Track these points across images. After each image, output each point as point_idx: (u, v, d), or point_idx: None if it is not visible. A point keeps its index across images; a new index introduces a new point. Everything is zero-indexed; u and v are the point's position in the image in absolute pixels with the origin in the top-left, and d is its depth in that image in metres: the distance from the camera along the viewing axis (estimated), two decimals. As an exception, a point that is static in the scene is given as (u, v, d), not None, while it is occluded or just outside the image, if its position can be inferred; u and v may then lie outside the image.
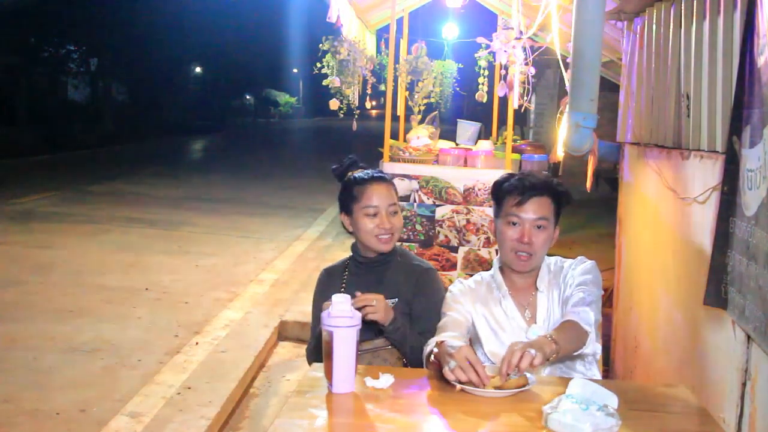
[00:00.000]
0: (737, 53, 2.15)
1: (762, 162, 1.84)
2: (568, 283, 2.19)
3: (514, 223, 2.17)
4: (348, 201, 2.36)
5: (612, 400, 1.71)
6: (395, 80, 5.06)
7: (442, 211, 4.56)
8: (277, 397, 4.03)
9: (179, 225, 8.73)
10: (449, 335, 2.09)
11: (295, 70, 47.70)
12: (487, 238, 4.54)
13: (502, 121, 5.57)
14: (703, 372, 2.40)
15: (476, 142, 5.19)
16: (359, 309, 2.02)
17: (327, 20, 4.06)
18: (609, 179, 9.86)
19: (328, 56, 4.59)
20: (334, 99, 4.73)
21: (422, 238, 4.57)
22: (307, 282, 5.98)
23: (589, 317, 2.02)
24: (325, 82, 4.66)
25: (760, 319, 1.83)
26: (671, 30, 2.96)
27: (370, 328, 2.19)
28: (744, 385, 2.03)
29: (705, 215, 2.43)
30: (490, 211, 4.36)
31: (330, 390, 1.85)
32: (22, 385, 3.83)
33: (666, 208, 2.99)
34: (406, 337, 2.23)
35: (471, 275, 2.43)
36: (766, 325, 1.80)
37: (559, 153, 4.62)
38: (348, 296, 1.91)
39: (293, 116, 49.28)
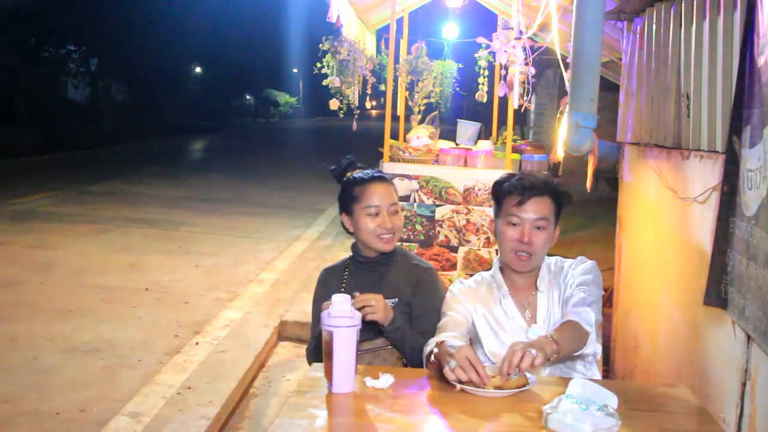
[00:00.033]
0: (737, 53, 2.15)
1: (762, 162, 1.84)
2: (568, 283, 2.19)
3: (514, 224, 2.17)
4: (349, 201, 2.36)
5: (612, 400, 1.71)
6: (395, 80, 5.06)
7: (442, 211, 4.56)
8: (277, 397, 4.03)
9: (179, 225, 8.73)
10: (449, 335, 2.09)
11: (295, 70, 47.71)
12: (487, 238, 4.54)
13: (502, 121, 5.56)
14: (703, 372, 2.40)
15: (476, 142, 5.18)
16: (359, 309, 2.02)
17: (327, 20, 4.06)
18: (609, 179, 9.85)
19: (328, 56, 4.59)
20: (334, 99, 4.72)
21: (422, 238, 4.57)
22: (307, 282, 5.98)
23: (589, 317, 2.02)
24: (325, 82, 4.66)
25: (760, 319, 1.83)
26: (671, 30, 2.96)
27: (370, 328, 2.19)
28: (744, 385, 2.03)
29: (705, 215, 2.43)
30: (490, 211, 4.35)
31: (330, 390, 1.85)
32: (22, 385, 3.83)
33: (666, 208, 2.99)
34: (405, 336, 2.23)
35: (471, 275, 2.43)
36: (766, 325, 1.80)
37: (559, 153, 4.62)
38: (348, 296, 1.91)
39: (293, 116, 49.29)
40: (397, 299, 2.31)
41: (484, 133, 6.06)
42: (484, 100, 5.46)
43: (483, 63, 5.29)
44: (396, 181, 4.47)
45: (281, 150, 22.97)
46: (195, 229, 8.50)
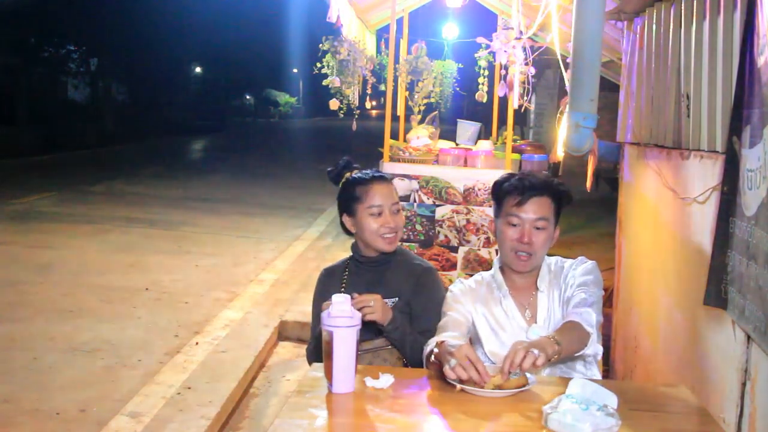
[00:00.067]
0: (737, 53, 2.15)
1: (762, 162, 1.84)
2: (568, 283, 2.19)
3: (514, 224, 2.17)
4: (350, 202, 2.35)
5: (612, 400, 1.71)
6: (395, 80, 5.06)
7: (442, 211, 4.56)
8: (277, 397, 4.03)
9: (179, 225, 8.73)
10: (449, 335, 2.09)
11: (295, 70, 47.73)
12: (487, 238, 4.54)
13: (502, 121, 5.57)
14: (703, 372, 2.40)
15: (476, 142, 5.18)
16: (358, 310, 2.02)
17: (327, 20, 4.06)
18: (609, 179, 9.86)
19: (328, 56, 4.59)
20: (334, 99, 4.72)
21: (422, 238, 4.57)
22: (307, 282, 5.98)
23: (591, 318, 2.02)
24: (325, 82, 4.66)
25: (760, 319, 1.83)
26: (671, 30, 2.96)
27: (370, 328, 2.19)
28: (744, 385, 2.03)
29: (705, 215, 2.43)
30: (490, 211, 4.36)
31: (330, 390, 1.85)
32: (22, 385, 3.83)
33: (666, 208, 2.99)
34: (405, 336, 2.23)
35: (471, 275, 2.43)
36: (766, 325, 1.80)
37: (559, 153, 4.62)
38: (348, 296, 1.91)
39: (293, 116, 49.31)
40: (397, 299, 2.31)
41: (484, 133, 6.06)
42: (484, 100, 5.46)
43: (483, 63, 5.30)
44: (396, 181, 4.47)
45: (281, 150, 22.97)
46: (195, 229, 8.50)
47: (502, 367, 1.81)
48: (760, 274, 1.83)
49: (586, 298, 2.09)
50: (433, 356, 1.99)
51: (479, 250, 4.57)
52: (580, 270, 2.21)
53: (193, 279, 6.22)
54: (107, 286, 5.85)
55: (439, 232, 4.56)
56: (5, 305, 5.22)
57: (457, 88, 5.64)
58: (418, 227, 4.56)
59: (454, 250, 4.58)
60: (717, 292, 2.15)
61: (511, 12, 4.31)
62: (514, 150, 4.92)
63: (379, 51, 5.66)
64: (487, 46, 4.58)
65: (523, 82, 4.67)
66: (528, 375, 1.84)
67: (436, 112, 5.42)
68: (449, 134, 5.54)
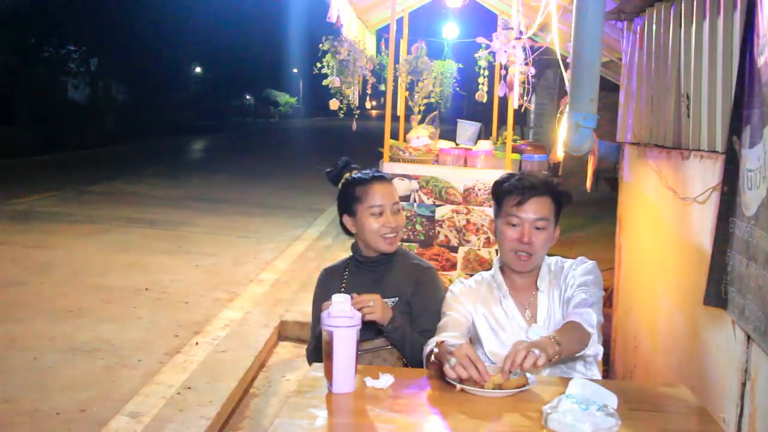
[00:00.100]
0: (737, 53, 2.15)
1: (762, 162, 1.84)
2: (569, 283, 2.19)
3: (514, 224, 2.17)
4: (350, 202, 2.35)
5: (612, 400, 1.71)
6: (395, 80, 5.06)
7: (442, 211, 4.56)
8: (277, 397, 4.03)
9: (179, 225, 8.73)
10: (449, 335, 2.09)
11: (295, 70, 47.74)
12: (487, 238, 4.54)
13: (502, 121, 5.56)
14: (703, 372, 2.40)
15: (476, 142, 5.18)
16: (358, 310, 2.02)
17: (327, 20, 4.06)
18: (609, 179, 9.86)
19: (328, 56, 4.59)
20: (334, 99, 4.73)
21: (422, 238, 4.57)
22: (307, 282, 5.98)
23: (591, 319, 2.02)
24: (325, 82, 4.66)
25: (760, 319, 1.83)
26: (671, 30, 2.96)
27: (369, 328, 2.19)
28: (744, 385, 2.03)
29: (705, 215, 2.43)
30: (490, 211, 4.36)
31: (330, 390, 1.85)
32: (22, 385, 3.83)
33: (666, 208, 2.99)
34: (405, 336, 2.23)
35: (471, 275, 2.43)
36: (766, 325, 1.80)
37: (559, 153, 4.62)
38: (348, 296, 1.91)
39: (293, 116, 49.32)
40: (397, 299, 2.31)
41: (484, 133, 6.06)
42: (484, 100, 5.46)
43: (483, 63, 5.29)
44: (396, 181, 4.47)
45: (281, 150, 22.97)
46: (195, 229, 8.50)
47: (502, 366, 1.81)
48: (760, 274, 1.83)
49: (587, 298, 2.09)
50: (433, 356, 1.99)
51: (479, 250, 4.57)
52: (580, 270, 2.21)
53: (193, 279, 6.22)
54: (107, 286, 5.85)
55: (439, 232, 4.56)
56: (5, 305, 5.22)
57: (457, 88, 5.64)
58: (418, 227, 4.56)
59: (454, 250, 4.58)
60: (717, 292, 2.15)
61: (511, 12, 4.31)
62: (514, 150, 4.91)
63: (379, 51, 5.66)
64: (487, 46, 4.58)
65: (523, 82, 4.67)
66: (528, 375, 1.84)
67: (436, 112, 5.42)
68: (449, 134, 5.54)
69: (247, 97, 48.08)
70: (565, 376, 2.11)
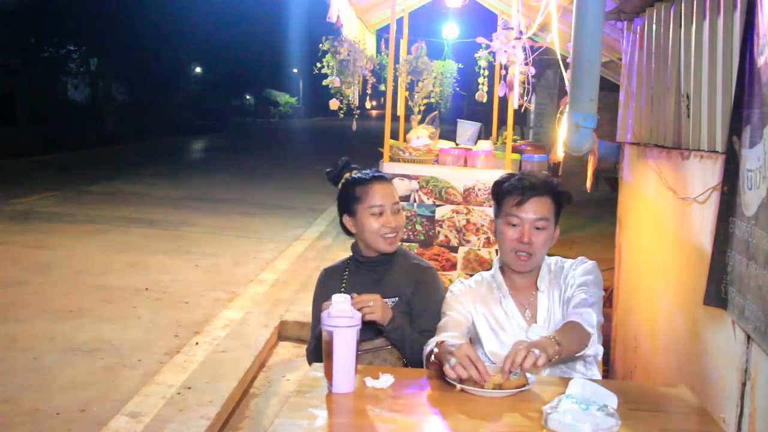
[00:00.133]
0: (737, 53, 2.15)
1: (762, 162, 1.84)
2: (569, 283, 2.19)
3: (514, 224, 2.17)
4: (350, 202, 2.35)
5: (612, 400, 1.71)
6: (395, 80, 5.05)
7: (442, 211, 4.56)
8: (277, 397, 4.03)
9: (179, 225, 8.73)
10: (449, 335, 2.09)
11: (295, 70, 47.73)
12: (487, 238, 4.54)
13: (502, 121, 5.56)
14: (703, 372, 2.40)
15: (476, 142, 5.18)
16: (358, 310, 2.02)
17: (327, 20, 4.06)
18: (609, 179, 9.86)
19: (328, 56, 4.59)
20: (334, 99, 4.73)
21: (422, 238, 4.57)
22: (307, 282, 5.98)
23: (591, 319, 2.02)
24: (325, 82, 4.66)
25: (760, 319, 1.83)
26: (671, 30, 2.96)
27: (369, 328, 2.19)
28: (744, 385, 2.03)
29: (705, 215, 2.43)
30: (490, 211, 4.36)
31: (330, 390, 1.85)
32: (22, 385, 3.83)
33: (666, 208, 2.99)
34: (405, 336, 2.23)
35: (471, 275, 2.43)
36: (766, 325, 1.80)
37: (559, 153, 4.62)
38: (348, 296, 1.91)
39: (293, 116, 49.32)
40: (397, 299, 2.31)
41: (484, 133, 6.06)
42: (484, 100, 5.46)
43: (483, 63, 5.29)
44: (396, 181, 4.47)
45: (281, 150, 22.97)
46: (195, 229, 8.50)
47: (502, 366, 1.81)
48: (760, 274, 1.83)
49: (587, 298, 2.09)
50: (433, 356, 1.99)
51: (479, 250, 4.56)
52: (580, 270, 2.21)
53: (193, 279, 6.22)
54: (107, 286, 5.85)
55: (439, 232, 4.56)
56: (5, 305, 5.22)
57: (457, 88, 5.64)
58: (418, 227, 4.56)
59: (454, 250, 4.58)
60: (717, 292, 2.15)
61: (511, 12, 4.31)
62: (514, 150, 4.91)
63: (379, 51, 5.66)
64: (487, 46, 4.58)
65: (523, 82, 4.67)
66: (528, 375, 1.84)
67: (436, 112, 5.42)
68: (449, 134, 5.54)
69: (247, 97, 48.08)
70: (565, 376, 2.11)
